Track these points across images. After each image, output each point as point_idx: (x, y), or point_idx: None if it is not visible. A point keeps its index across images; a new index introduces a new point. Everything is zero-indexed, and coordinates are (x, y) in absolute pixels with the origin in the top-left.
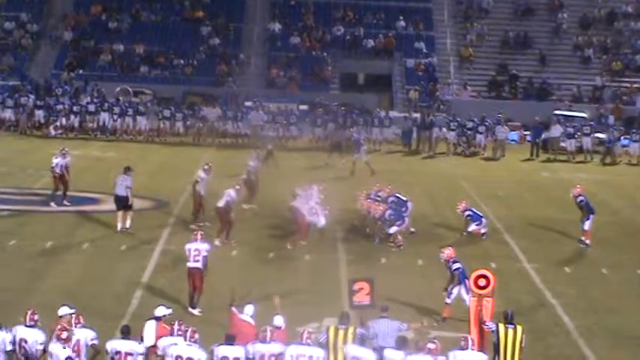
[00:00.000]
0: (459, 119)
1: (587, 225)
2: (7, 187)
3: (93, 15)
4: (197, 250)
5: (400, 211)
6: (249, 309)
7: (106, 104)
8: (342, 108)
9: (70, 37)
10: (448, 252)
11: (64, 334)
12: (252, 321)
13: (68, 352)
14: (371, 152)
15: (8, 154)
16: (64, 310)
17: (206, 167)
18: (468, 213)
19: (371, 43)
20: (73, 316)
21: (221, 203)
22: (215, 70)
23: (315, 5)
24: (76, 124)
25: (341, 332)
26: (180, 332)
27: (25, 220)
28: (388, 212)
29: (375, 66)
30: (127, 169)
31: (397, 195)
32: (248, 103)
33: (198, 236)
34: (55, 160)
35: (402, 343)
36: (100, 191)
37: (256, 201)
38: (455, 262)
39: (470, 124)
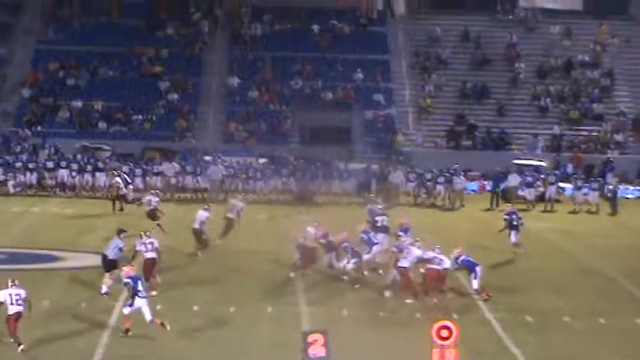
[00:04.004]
0: (417, 170)
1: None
2: None
3: (51, 72)
4: (17, 294)
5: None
6: None
7: (64, 161)
8: (301, 160)
9: (29, 94)
10: None
11: None
12: None
13: None
14: (331, 204)
15: None
16: None
17: (206, 207)
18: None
19: (329, 95)
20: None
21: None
22: (174, 125)
23: (273, 59)
24: (34, 181)
25: None
26: None
27: None
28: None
29: (334, 118)
30: (120, 231)
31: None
32: (207, 158)
33: (11, 282)
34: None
35: None
36: (60, 248)
37: (220, 249)
38: None
39: (429, 175)
